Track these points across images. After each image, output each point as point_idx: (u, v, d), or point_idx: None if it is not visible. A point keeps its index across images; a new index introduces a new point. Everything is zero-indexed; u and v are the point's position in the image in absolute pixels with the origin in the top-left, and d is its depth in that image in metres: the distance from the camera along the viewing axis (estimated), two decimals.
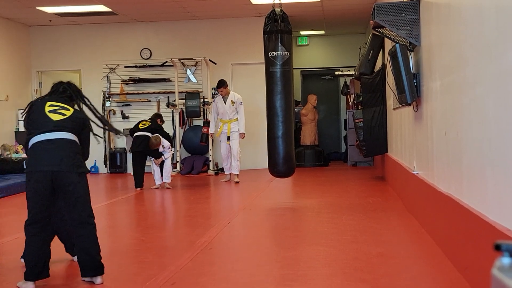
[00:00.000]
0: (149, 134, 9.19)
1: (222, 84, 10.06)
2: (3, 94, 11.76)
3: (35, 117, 4.03)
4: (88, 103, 4.25)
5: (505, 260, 1.34)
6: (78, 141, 4.02)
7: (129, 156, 9.45)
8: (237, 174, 10.13)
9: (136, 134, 9.34)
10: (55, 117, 3.98)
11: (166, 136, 9.51)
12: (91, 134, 4.19)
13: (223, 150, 10.22)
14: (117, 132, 4.52)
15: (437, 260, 4.28)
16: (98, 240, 4.01)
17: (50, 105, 4.04)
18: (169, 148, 9.38)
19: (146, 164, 9.59)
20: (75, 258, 4.27)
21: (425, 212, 5.35)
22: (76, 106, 4.21)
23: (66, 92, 4.17)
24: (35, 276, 3.89)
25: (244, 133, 10.10)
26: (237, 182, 9.97)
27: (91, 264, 3.94)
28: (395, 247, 4.91)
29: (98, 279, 3.96)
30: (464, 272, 3.74)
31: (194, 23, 12.63)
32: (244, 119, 10.07)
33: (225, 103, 10.07)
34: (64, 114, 4.01)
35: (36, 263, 3.88)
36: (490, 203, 3.27)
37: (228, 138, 10.08)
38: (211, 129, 10.33)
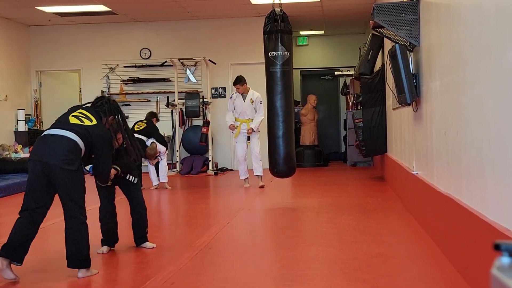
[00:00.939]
0: (143, 138, 8.82)
1: (238, 81, 9.24)
2: (2, 94, 11.76)
3: (59, 117, 4.31)
4: (121, 121, 4.49)
5: (504, 260, 1.34)
6: (81, 144, 4.11)
7: None
8: (261, 176, 9.23)
9: None
10: (73, 120, 4.20)
11: (161, 140, 9.14)
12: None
13: (240, 151, 9.29)
14: (135, 159, 4.76)
15: (437, 260, 4.28)
16: (89, 237, 4.12)
17: (79, 112, 4.29)
18: (164, 153, 9.19)
19: (142, 164, 9.57)
20: None
21: (424, 212, 5.35)
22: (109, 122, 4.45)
23: (102, 107, 4.39)
24: (5, 252, 4.00)
25: (252, 129, 9.15)
26: (261, 187, 9.15)
27: (75, 257, 4.08)
28: (394, 247, 4.91)
29: (79, 273, 4.09)
30: (463, 272, 3.74)
31: (194, 23, 12.63)
32: (261, 118, 9.16)
33: (244, 101, 9.24)
34: (82, 121, 4.21)
35: (11, 240, 4.03)
36: (490, 203, 3.27)
37: (248, 138, 9.27)
38: (229, 121, 9.32)
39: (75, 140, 4.08)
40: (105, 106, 4.40)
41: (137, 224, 4.99)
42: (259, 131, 9.34)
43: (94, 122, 4.23)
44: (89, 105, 4.46)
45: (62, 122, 4.22)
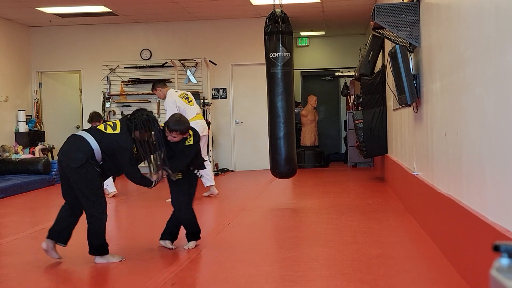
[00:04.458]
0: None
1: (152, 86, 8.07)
2: (3, 95, 11.76)
3: None
4: (149, 135, 4.53)
5: (503, 261, 1.34)
6: (94, 147, 4.40)
7: None
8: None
9: None
10: (100, 127, 4.56)
11: None
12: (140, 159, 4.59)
13: None
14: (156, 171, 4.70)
15: (437, 261, 4.28)
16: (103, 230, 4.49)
17: (112, 122, 4.60)
18: None
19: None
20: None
21: (424, 213, 5.35)
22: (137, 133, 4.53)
23: (131, 121, 4.52)
24: (51, 235, 4.52)
25: None
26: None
27: (90, 245, 4.50)
28: (394, 248, 4.91)
29: (95, 259, 4.50)
30: (463, 273, 3.74)
31: (194, 24, 12.63)
32: None
33: None
34: (106, 129, 4.50)
35: (56, 224, 4.55)
36: (490, 204, 3.27)
37: None
38: None
39: (89, 141, 4.41)
40: (135, 120, 4.50)
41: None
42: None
43: (117, 131, 4.48)
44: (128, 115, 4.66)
45: (92, 127, 4.60)
